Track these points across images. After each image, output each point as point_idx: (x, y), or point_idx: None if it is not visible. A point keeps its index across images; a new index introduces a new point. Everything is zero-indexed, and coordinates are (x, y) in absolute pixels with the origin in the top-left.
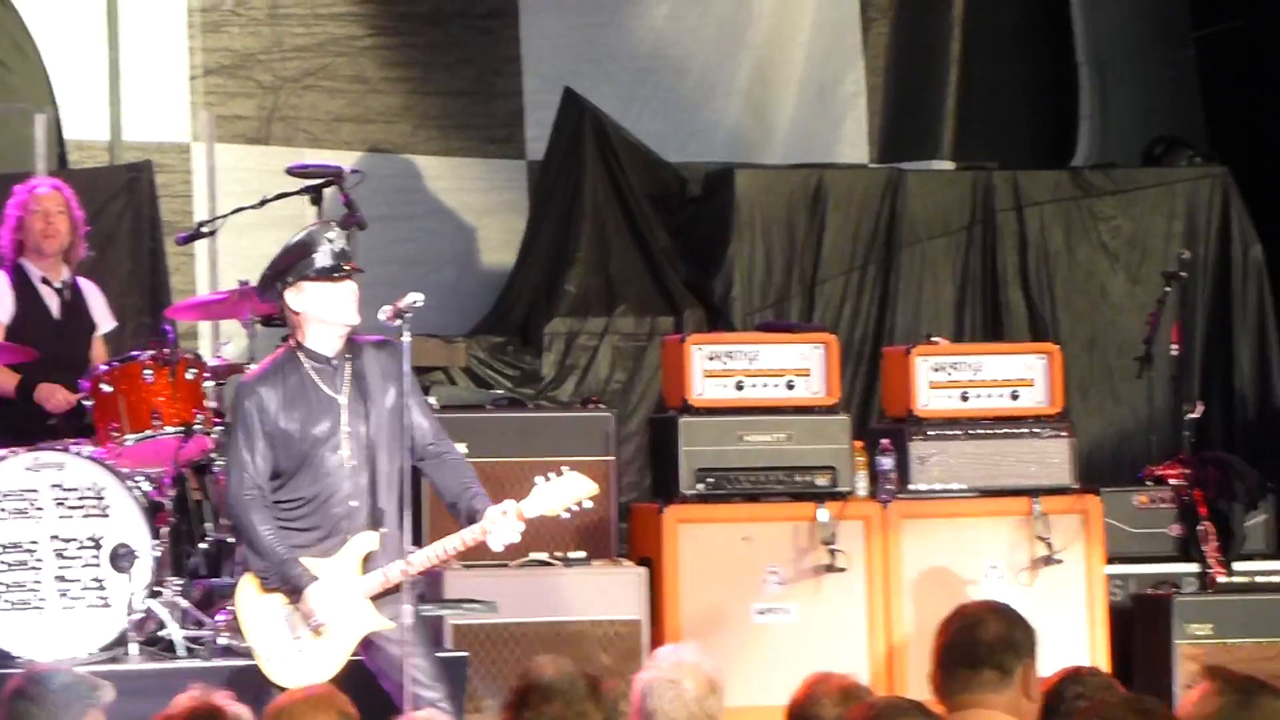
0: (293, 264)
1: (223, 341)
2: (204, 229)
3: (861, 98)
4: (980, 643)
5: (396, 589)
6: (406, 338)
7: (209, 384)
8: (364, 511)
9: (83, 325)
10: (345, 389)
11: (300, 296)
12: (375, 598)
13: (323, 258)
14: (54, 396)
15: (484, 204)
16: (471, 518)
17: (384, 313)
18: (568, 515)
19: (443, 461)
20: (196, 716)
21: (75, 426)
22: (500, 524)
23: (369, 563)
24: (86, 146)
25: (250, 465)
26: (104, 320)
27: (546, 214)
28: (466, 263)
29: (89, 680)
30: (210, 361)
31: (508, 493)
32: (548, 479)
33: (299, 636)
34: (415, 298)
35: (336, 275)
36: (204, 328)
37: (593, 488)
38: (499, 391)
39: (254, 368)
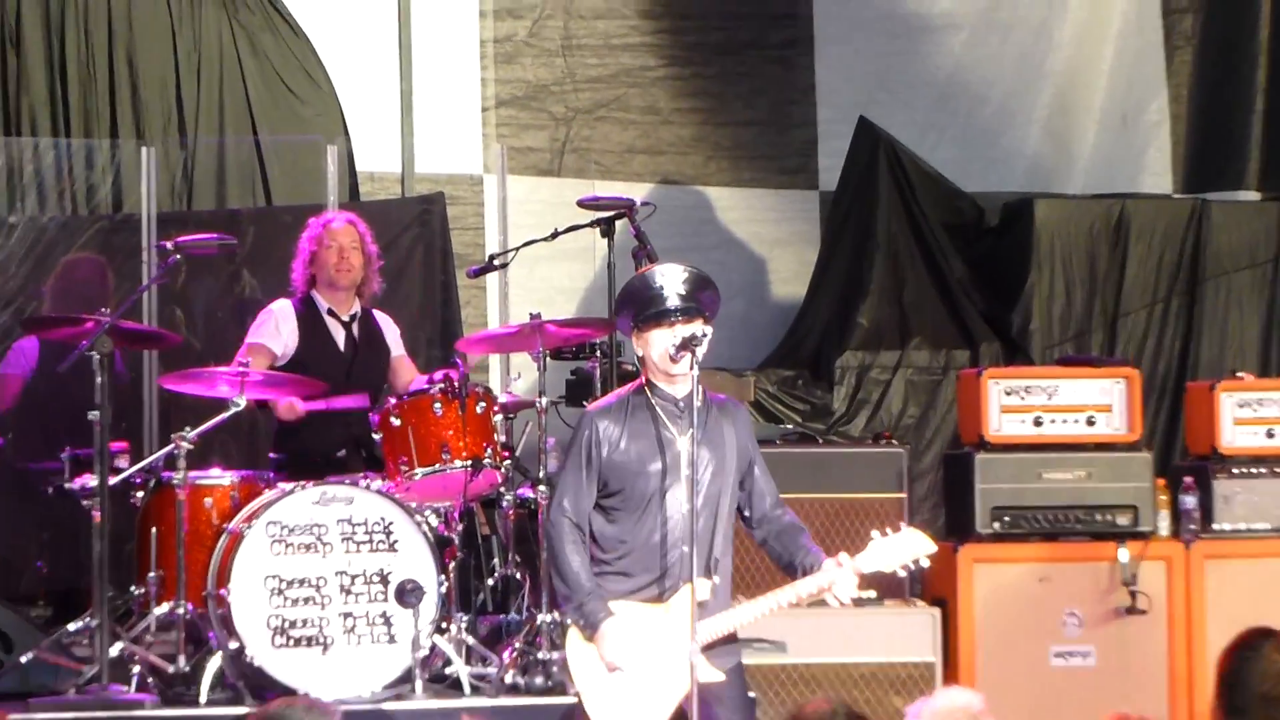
0: (628, 307)
1: (513, 376)
2: (495, 261)
3: (1165, 126)
4: (1252, 682)
5: (726, 639)
6: (694, 370)
7: (498, 418)
8: (696, 559)
9: (375, 355)
10: (690, 433)
11: (639, 340)
12: (706, 647)
13: (654, 302)
14: (292, 408)
15: (775, 235)
16: (805, 572)
17: (672, 348)
18: (903, 574)
19: (781, 524)
20: None
21: (364, 460)
22: (840, 579)
23: (701, 611)
24: (379, 178)
25: (572, 493)
26: (396, 350)
27: (839, 245)
28: (757, 294)
29: (321, 707)
30: (500, 397)
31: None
32: (885, 534)
33: (623, 682)
34: (703, 333)
35: (668, 320)
36: (494, 361)
37: (930, 547)
38: (788, 426)
39: (603, 399)
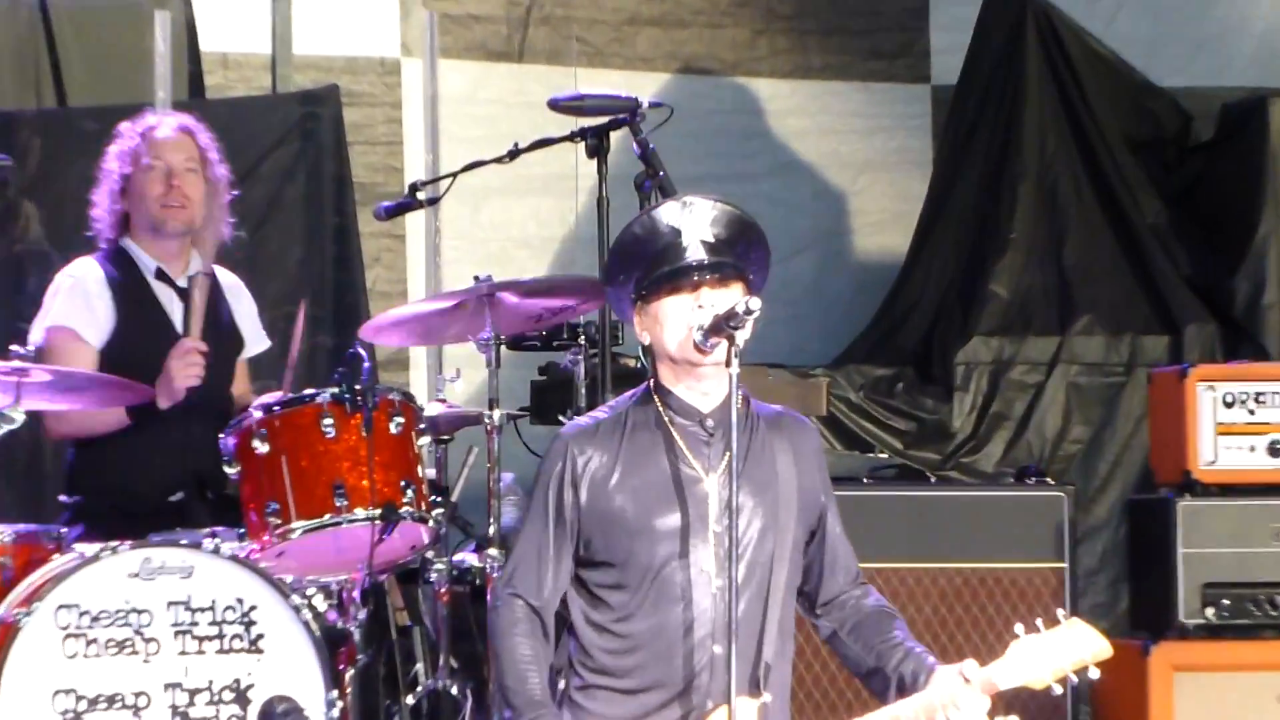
0: (627, 265)
1: (448, 376)
2: (420, 195)
3: None
4: None
5: None
6: (734, 368)
7: (424, 443)
8: (736, 664)
9: (222, 344)
10: (723, 467)
11: (643, 319)
12: None
13: (667, 255)
14: (182, 372)
15: (862, 155)
16: (904, 687)
17: (697, 329)
18: (1059, 691)
19: (864, 611)
20: None
21: (212, 507)
22: (963, 700)
23: None
24: (236, 63)
25: (530, 563)
26: (254, 337)
27: (960, 168)
28: (831, 249)
29: None
30: (427, 409)
31: (906, 616)
32: (1034, 629)
33: None
34: (746, 305)
35: (689, 284)
36: (418, 355)
37: (1104, 648)
38: (882, 456)
39: (586, 415)
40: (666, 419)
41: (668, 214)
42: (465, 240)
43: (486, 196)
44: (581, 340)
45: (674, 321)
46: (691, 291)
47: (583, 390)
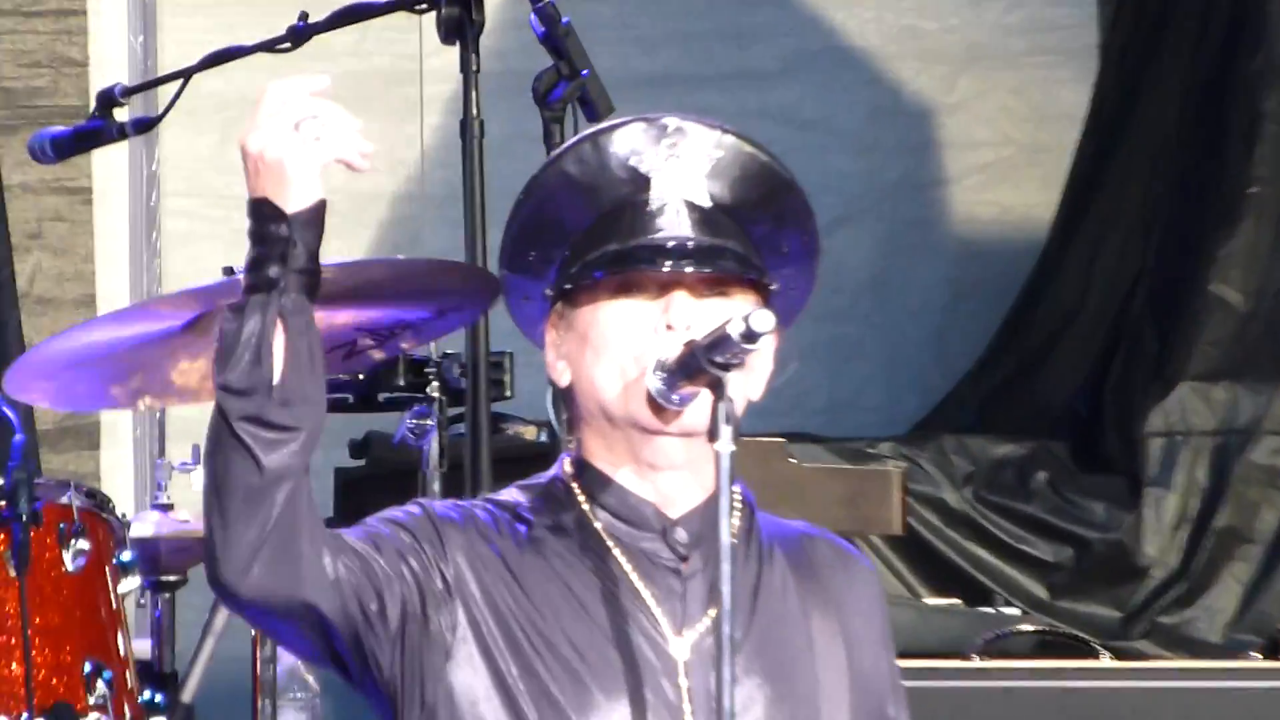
0: (540, 237)
1: (174, 462)
2: (120, 115)
3: None
4: None
5: None
6: (726, 443)
7: (132, 587)
8: None
9: None
10: (704, 620)
11: (566, 336)
12: None
13: (622, 222)
14: None
15: (962, 38)
16: None
17: (656, 369)
18: None
19: None
20: None
21: None
22: None
23: None
24: None
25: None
26: None
27: (1147, 74)
28: (902, 213)
29: None
30: (137, 524)
31: None
32: None
33: None
34: (747, 323)
35: (650, 279)
36: (120, 422)
37: None
38: (1011, 612)
39: (447, 504)
40: (599, 527)
41: (626, 142)
42: (206, 199)
43: (235, 122)
44: (433, 389)
45: (619, 347)
46: (655, 295)
47: (434, 485)
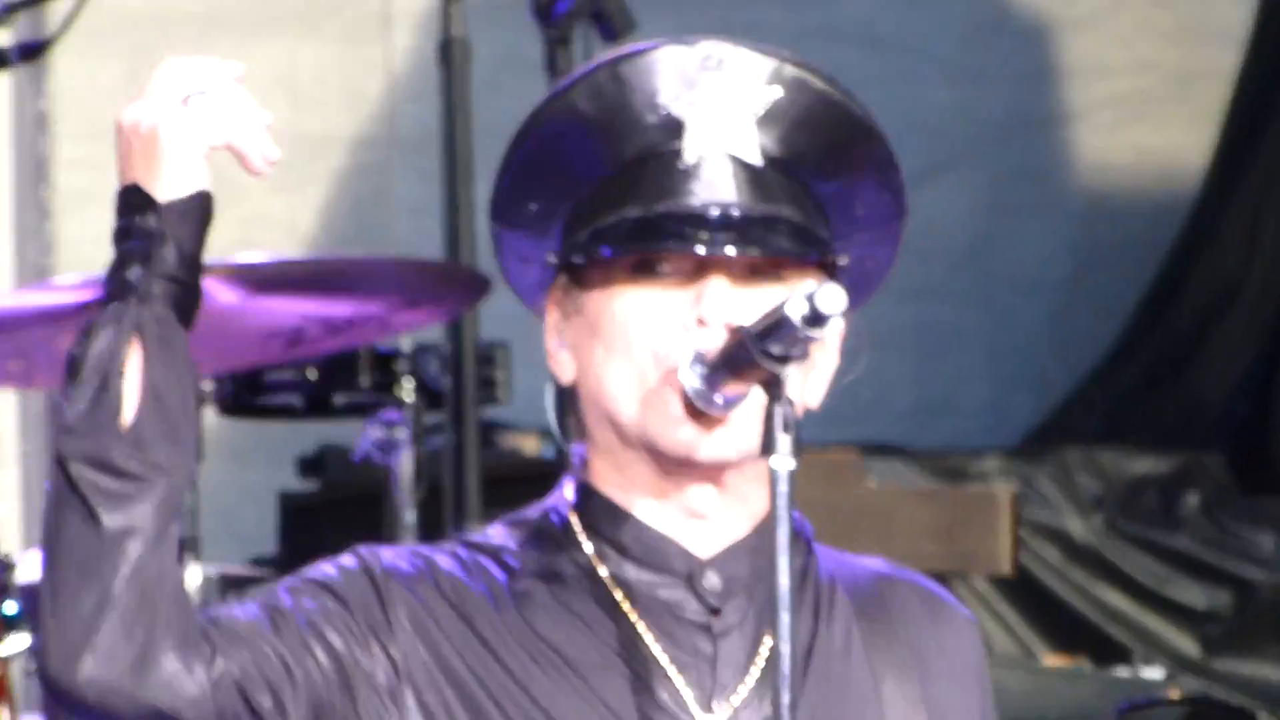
0: (544, 186)
1: None
2: (3, 49)
3: None
4: None
5: None
6: (784, 459)
7: (16, 645)
8: None
9: None
10: (740, 691)
11: (573, 318)
12: None
13: (647, 178)
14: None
15: None
16: None
17: (694, 362)
18: None
19: None
20: None
21: None
22: None
23: None
24: None
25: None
26: None
27: None
28: (1007, 169)
29: None
30: (24, 565)
31: None
32: None
33: None
34: (813, 304)
35: (682, 256)
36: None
37: None
38: (1153, 678)
39: (414, 553)
40: (607, 576)
41: (653, 73)
42: (111, 147)
43: (166, 43)
44: (405, 391)
45: (637, 345)
46: (686, 280)
47: (406, 513)
